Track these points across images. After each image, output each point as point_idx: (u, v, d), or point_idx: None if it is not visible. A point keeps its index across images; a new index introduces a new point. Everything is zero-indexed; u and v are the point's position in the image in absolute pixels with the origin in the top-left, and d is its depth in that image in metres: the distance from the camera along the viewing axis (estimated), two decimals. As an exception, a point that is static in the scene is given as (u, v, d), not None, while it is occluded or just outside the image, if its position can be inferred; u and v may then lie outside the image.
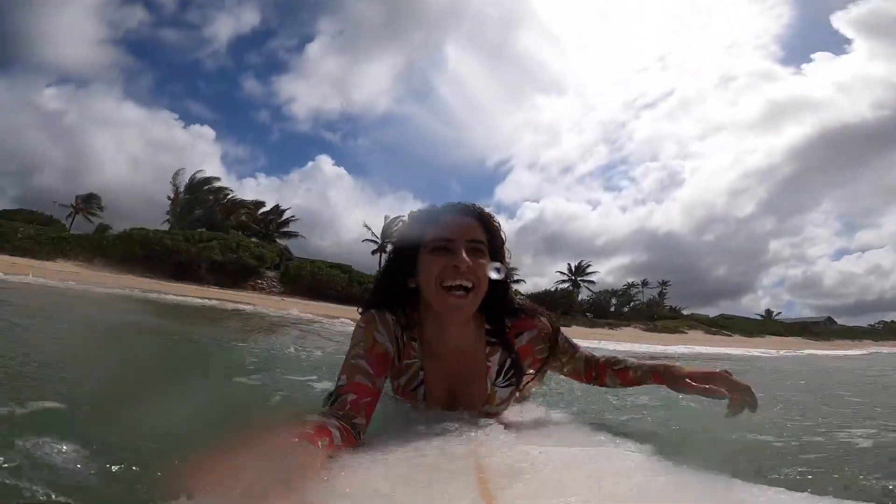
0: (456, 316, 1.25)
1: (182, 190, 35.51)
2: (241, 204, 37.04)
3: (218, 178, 37.25)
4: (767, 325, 46.48)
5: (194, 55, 66.21)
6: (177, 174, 35.96)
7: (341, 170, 74.34)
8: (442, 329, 1.32)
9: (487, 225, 1.32)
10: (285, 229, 38.69)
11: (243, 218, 36.07)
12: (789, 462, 1.24)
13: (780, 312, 54.96)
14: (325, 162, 71.79)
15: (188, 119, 68.94)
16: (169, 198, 35.89)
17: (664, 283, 52.46)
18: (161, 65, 67.39)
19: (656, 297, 51.99)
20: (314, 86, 75.58)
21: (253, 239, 33.70)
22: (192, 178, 35.95)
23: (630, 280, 53.26)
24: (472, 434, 1.06)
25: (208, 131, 65.54)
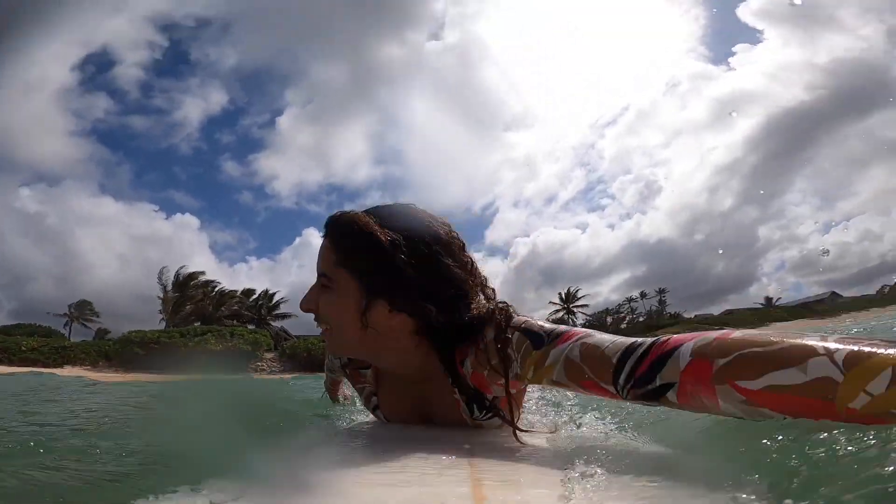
0: (334, 354, 1.18)
1: (170, 288, 36.27)
2: (230, 295, 37.81)
3: (202, 273, 38.14)
4: (769, 314, 46.64)
5: (168, 141, 67.11)
6: (161, 273, 36.87)
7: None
8: (399, 375, 1.12)
9: (342, 245, 0.99)
10: (277, 312, 39.30)
11: (235, 307, 36.72)
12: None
13: (779, 299, 55.29)
14: (312, 235, 72.80)
15: (169, 209, 68.65)
16: (159, 297, 36.57)
17: (662, 291, 52.99)
18: (135, 154, 66.92)
19: (657, 306, 52.39)
20: (292, 159, 77.15)
21: (249, 326, 34.28)
22: (177, 275, 36.80)
23: (629, 295, 53.86)
24: (467, 435, 0.97)
25: (192, 220, 65.56)
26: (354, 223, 0.97)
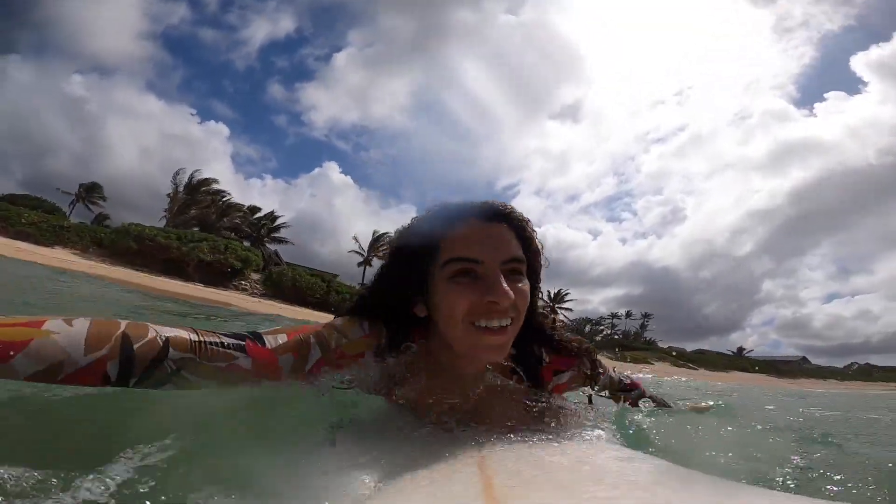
0: (490, 359, 1.02)
1: (181, 188, 37.40)
2: (237, 207, 38.91)
3: (216, 180, 39.07)
4: (736, 361, 47.75)
5: (227, 56, 68.16)
6: (177, 173, 37.81)
7: (348, 178, 75.46)
8: (460, 367, 1.04)
9: (524, 235, 1.01)
10: (276, 235, 40.45)
11: (237, 221, 37.92)
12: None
13: (752, 350, 56.21)
14: (332, 169, 73.10)
15: (205, 115, 70.63)
16: (168, 195, 37.76)
17: (646, 316, 54.05)
18: (193, 62, 69.11)
19: (638, 328, 53.51)
20: (336, 96, 77.37)
21: (245, 242, 35.55)
22: (191, 178, 37.83)
23: (616, 311, 54.84)
24: (479, 436, 0.92)
25: (223, 128, 67.07)
26: (528, 222, 1.05)
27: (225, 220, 37.15)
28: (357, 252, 42.10)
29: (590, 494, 0.59)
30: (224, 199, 38.88)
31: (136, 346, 0.80)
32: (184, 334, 0.86)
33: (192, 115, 65.35)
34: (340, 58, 75.03)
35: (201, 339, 0.87)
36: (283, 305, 23.62)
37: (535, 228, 1.07)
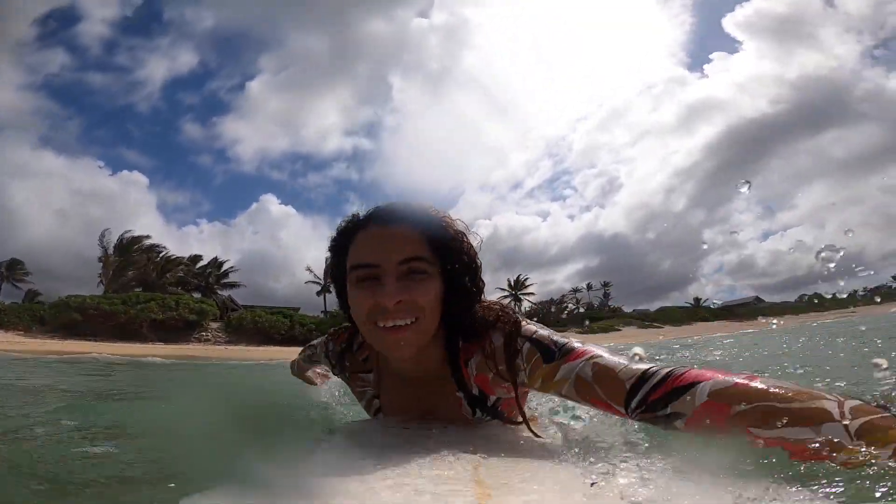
0: (400, 356, 0.99)
1: (111, 251, 35.14)
2: (177, 261, 37.00)
3: (148, 237, 37.06)
4: (696, 313, 50.15)
5: (126, 99, 63.65)
6: (103, 235, 35.55)
7: (289, 208, 72.74)
8: (393, 362, 1.09)
9: (433, 231, 0.99)
10: (226, 280, 38.82)
11: (181, 274, 36.06)
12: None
13: (707, 300, 59.36)
14: (270, 202, 70.13)
15: (116, 166, 65.16)
16: (99, 259, 35.35)
17: (606, 285, 55.76)
18: (86, 110, 63.46)
19: (602, 298, 55.20)
20: (259, 126, 74.07)
21: (195, 294, 33.89)
22: (121, 239, 35.63)
23: (577, 286, 56.31)
24: (471, 437, 0.95)
25: (140, 177, 61.82)
26: (444, 219, 1.03)
27: (168, 275, 35.22)
28: (314, 282, 41.02)
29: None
30: (161, 254, 36.90)
31: None
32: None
33: (100, 167, 60.47)
34: (254, 86, 72.89)
35: None
36: (250, 348, 22.70)
37: (459, 220, 1.06)
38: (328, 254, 1.09)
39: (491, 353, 1.00)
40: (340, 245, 1.04)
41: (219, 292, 37.24)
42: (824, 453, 0.64)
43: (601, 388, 0.84)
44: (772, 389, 0.70)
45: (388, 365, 1.13)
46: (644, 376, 0.80)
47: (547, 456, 0.85)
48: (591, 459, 0.75)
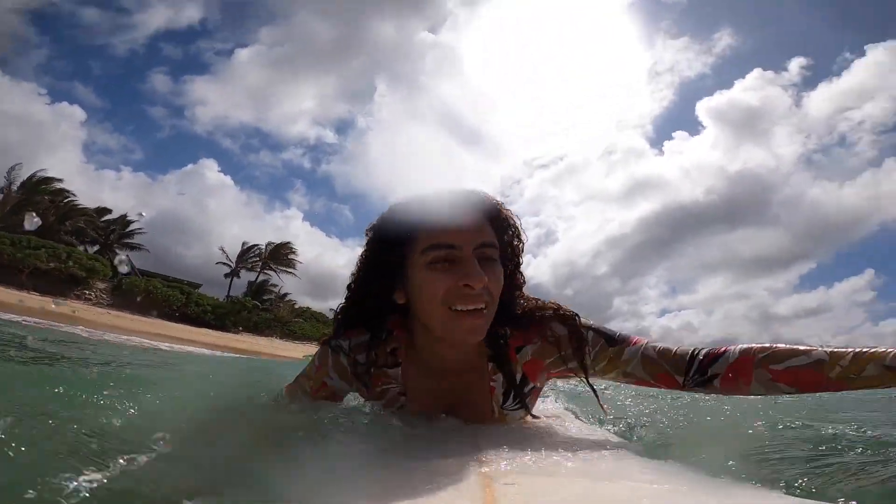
0: (468, 341, 1.03)
1: (16, 187, 33.52)
2: (82, 211, 35.80)
3: (60, 180, 35.59)
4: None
5: (107, 39, 58.22)
6: (13, 168, 33.75)
7: (227, 178, 67.84)
8: (440, 353, 1.11)
9: (498, 220, 1.08)
10: (128, 241, 37.89)
11: (81, 224, 34.96)
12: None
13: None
14: (208, 167, 64.84)
15: (58, 97, 59.29)
16: (1, 191, 33.56)
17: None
18: (60, 42, 56.84)
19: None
20: (229, 93, 69.04)
21: (92, 248, 32.88)
22: (31, 177, 34.06)
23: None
24: (477, 438, 0.95)
25: (77, 111, 55.39)
26: (502, 207, 1.11)
27: (67, 223, 34.07)
28: (224, 263, 40.83)
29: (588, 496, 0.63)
30: (66, 200, 35.56)
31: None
32: None
33: (40, 94, 54.68)
34: (244, 54, 69.24)
35: None
36: (133, 317, 22.84)
37: (512, 213, 1.13)
38: (366, 245, 1.13)
39: (555, 340, 1.11)
40: (402, 229, 1.04)
41: (117, 251, 36.33)
42: (812, 371, 0.94)
43: (666, 363, 1.06)
44: (781, 344, 1.01)
45: (419, 356, 1.13)
46: (693, 353, 1.06)
47: (552, 455, 0.85)
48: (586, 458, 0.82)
